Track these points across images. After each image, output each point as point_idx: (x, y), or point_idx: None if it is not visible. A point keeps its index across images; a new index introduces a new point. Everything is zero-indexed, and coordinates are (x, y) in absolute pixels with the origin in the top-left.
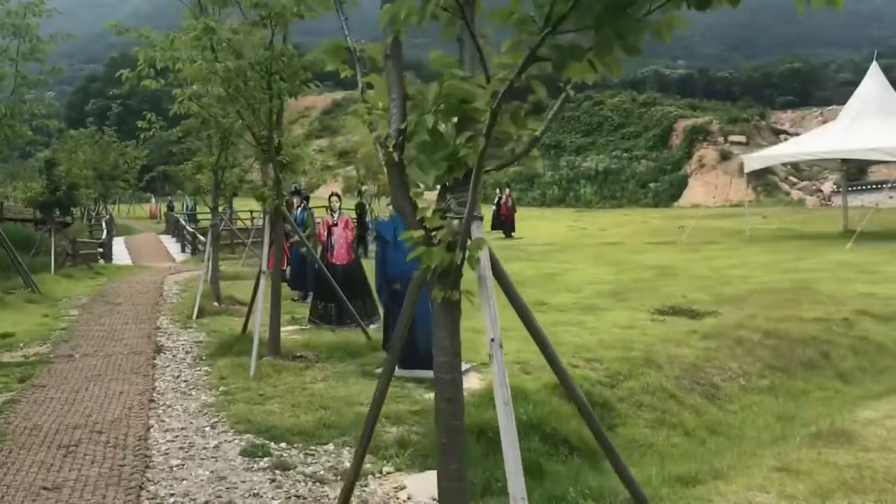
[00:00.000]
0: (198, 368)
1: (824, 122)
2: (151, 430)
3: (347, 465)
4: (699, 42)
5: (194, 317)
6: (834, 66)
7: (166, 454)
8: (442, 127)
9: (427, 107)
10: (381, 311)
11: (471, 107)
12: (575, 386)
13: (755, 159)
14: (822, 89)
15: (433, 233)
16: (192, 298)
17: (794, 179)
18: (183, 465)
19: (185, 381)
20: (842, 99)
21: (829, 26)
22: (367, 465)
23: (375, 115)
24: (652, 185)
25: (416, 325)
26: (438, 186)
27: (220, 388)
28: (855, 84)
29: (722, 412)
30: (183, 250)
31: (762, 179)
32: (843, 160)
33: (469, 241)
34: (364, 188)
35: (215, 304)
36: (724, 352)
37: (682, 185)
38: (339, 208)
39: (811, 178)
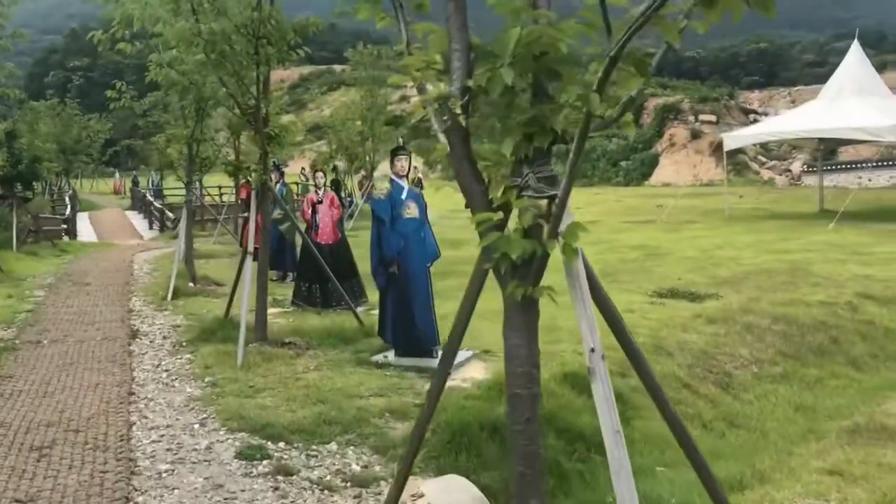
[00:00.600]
0: (179, 356)
1: (792, 101)
2: (134, 427)
3: (355, 467)
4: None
5: (169, 298)
6: (799, 48)
7: (153, 457)
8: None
9: (502, 58)
10: (367, 293)
11: (557, 57)
12: (658, 385)
13: (734, 138)
14: (788, 70)
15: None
16: (165, 278)
17: (763, 159)
18: (173, 470)
19: (167, 370)
20: (806, 80)
21: (794, 8)
22: (376, 468)
23: (426, 73)
24: (623, 163)
25: (414, 311)
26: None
27: (206, 379)
28: (819, 65)
29: (738, 402)
30: (150, 227)
31: (732, 159)
32: (821, 140)
33: (563, 227)
34: (338, 164)
35: (190, 284)
36: (733, 338)
37: (653, 163)
38: (325, 184)
39: (780, 157)
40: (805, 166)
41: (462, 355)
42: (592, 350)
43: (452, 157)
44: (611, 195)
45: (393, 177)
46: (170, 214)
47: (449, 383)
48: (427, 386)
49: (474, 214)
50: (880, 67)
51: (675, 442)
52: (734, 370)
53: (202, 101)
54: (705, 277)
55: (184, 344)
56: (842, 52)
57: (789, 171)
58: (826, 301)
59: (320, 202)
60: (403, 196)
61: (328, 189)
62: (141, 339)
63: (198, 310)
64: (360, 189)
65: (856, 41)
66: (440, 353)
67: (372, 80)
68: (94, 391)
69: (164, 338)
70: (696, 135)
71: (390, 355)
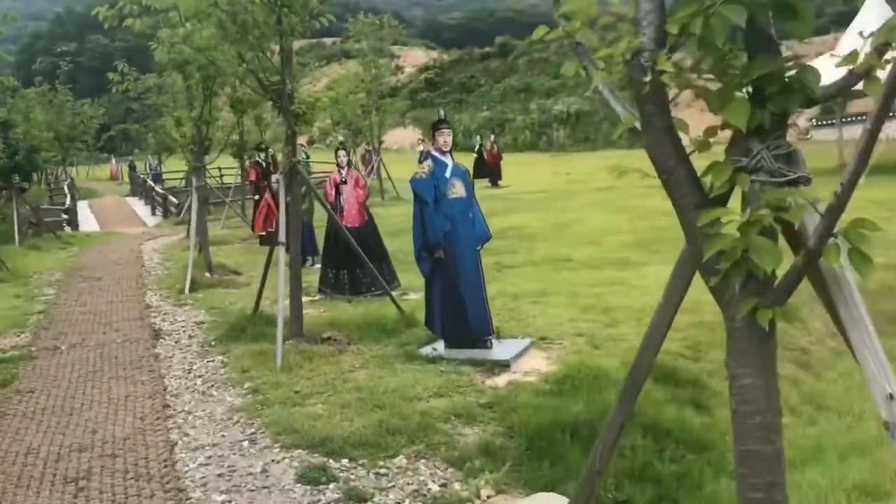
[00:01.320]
0: (210, 358)
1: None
2: (176, 448)
3: (432, 486)
4: None
5: (187, 291)
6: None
7: (204, 486)
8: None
9: None
10: (399, 277)
11: None
12: None
13: None
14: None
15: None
16: (179, 269)
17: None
18: (230, 501)
19: (200, 375)
20: (825, 29)
21: None
22: (455, 486)
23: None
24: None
25: (464, 298)
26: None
27: (246, 385)
28: (817, 15)
29: (820, 382)
30: (153, 213)
31: None
32: None
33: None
34: (341, 138)
35: (207, 274)
36: (803, 310)
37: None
38: (349, 163)
39: None
40: (812, 120)
41: (519, 344)
42: (892, 396)
43: (646, 131)
44: (619, 159)
45: (435, 153)
46: (173, 199)
47: (511, 377)
48: (488, 381)
49: (681, 206)
50: None
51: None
52: (809, 345)
53: (209, 79)
54: None
55: (212, 343)
56: (837, 2)
57: (796, 125)
58: (889, 264)
59: (344, 182)
60: (447, 174)
61: (353, 168)
62: (165, 339)
63: (219, 302)
64: (363, 164)
65: None
66: (494, 342)
67: (374, 50)
68: (125, 405)
69: (190, 337)
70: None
71: (440, 347)
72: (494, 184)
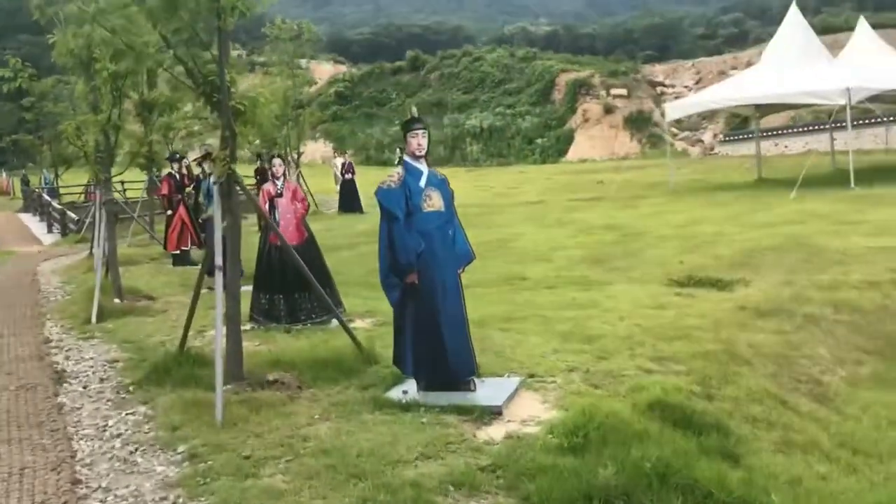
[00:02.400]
0: (129, 410)
1: (697, 73)
2: None
3: None
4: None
5: (94, 320)
6: (688, 21)
7: None
8: None
9: None
10: (344, 302)
11: None
12: None
13: (677, 107)
14: (681, 43)
15: None
16: (83, 294)
17: (675, 131)
18: None
19: (119, 435)
20: (699, 52)
21: None
22: None
23: None
24: (539, 140)
25: (443, 331)
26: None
27: (180, 449)
28: (710, 37)
29: (845, 419)
30: (50, 230)
31: (645, 132)
32: (757, 107)
33: None
34: (264, 150)
35: (116, 300)
36: (802, 335)
37: (568, 140)
38: (284, 173)
39: (691, 128)
40: (718, 136)
41: (506, 385)
42: None
43: None
44: (537, 173)
45: (407, 158)
46: (72, 215)
47: (507, 427)
48: (481, 434)
49: None
50: (760, 40)
51: (806, 484)
52: (821, 376)
53: (119, 78)
54: (709, 259)
55: (131, 389)
56: (728, 25)
57: (701, 141)
58: (869, 280)
59: (280, 195)
60: (422, 183)
61: (289, 179)
62: (70, 384)
63: (134, 334)
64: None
65: (794, 5)
66: (477, 382)
67: (290, 57)
68: (20, 483)
69: (102, 381)
70: (609, 109)
71: (412, 389)
72: None
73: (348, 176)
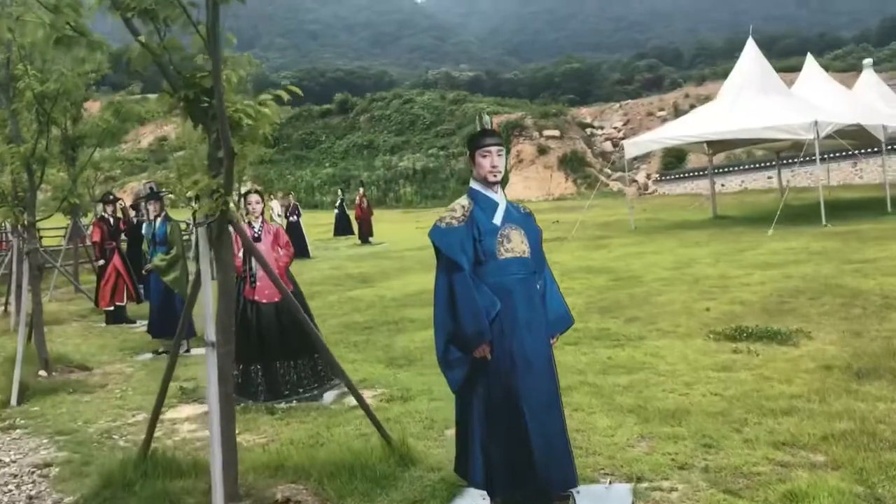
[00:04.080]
0: None
1: (625, 115)
2: None
3: None
4: (478, 47)
5: (14, 401)
6: (605, 67)
7: None
8: None
9: None
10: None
11: None
12: None
13: (635, 145)
14: (599, 88)
15: None
16: (1, 367)
17: (609, 171)
18: None
19: None
20: (618, 96)
21: (596, 31)
22: None
23: None
24: None
25: (528, 426)
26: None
27: None
28: (627, 82)
29: None
30: None
31: (580, 172)
32: (709, 144)
33: None
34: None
35: (42, 373)
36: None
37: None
38: (263, 212)
39: (622, 169)
40: (652, 176)
41: (613, 497)
42: None
43: None
44: None
45: (476, 185)
46: None
47: None
48: None
49: None
50: (675, 84)
51: None
52: None
53: (47, 100)
54: (735, 306)
55: None
56: (644, 70)
57: (635, 181)
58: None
59: (257, 240)
60: (497, 219)
61: (270, 220)
62: None
63: (70, 422)
64: None
65: (750, 39)
66: (578, 496)
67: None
68: None
69: (31, 498)
70: (543, 150)
71: None
72: (365, 241)
73: (293, 219)
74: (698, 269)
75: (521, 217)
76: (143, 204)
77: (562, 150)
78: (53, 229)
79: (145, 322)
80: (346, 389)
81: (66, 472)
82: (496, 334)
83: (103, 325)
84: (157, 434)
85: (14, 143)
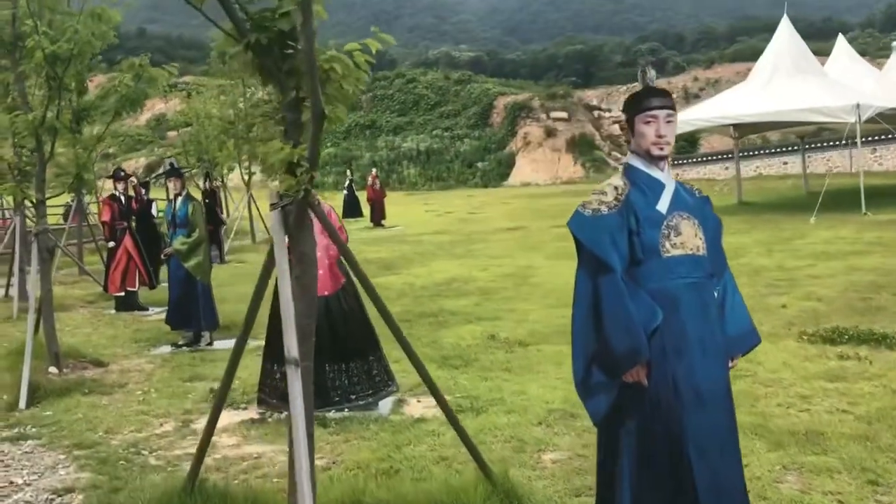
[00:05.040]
0: None
1: None
2: None
3: None
4: (478, 27)
5: (22, 404)
6: (607, 49)
7: None
8: None
9: None
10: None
11: None
12: None
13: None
14: (602, 70)
15: None
16: (3, 360)
17: (618, 154)
18: None
19: None
20: (620, 79)
21: (596, 12)
22: None
23: None
24: (479, 164)
25: (694, 475)
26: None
27: None
28: (629, 65)
29: None
30: None
31: (589, 156)
32: (735, 127)
33: None
34: (215, 170)
35: (53, 370)
36: None
37: (509, 163)
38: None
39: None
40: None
41: None
42: None
43: None
44: (486, 197)
45: (634, 160)
46: None
47: None
48: None
49: None
50: (679, 68)
51: None
52: None
53: (60, 62)
54: (812, 301)
55: None
56: (646, 53)
57: None
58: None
59: None
60: (662, 205)
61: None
62: None
63: (89, 432)
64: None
65: (785, 17)
66: None
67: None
68: None
69: None
70: (550, 132)
71: None
72: (378, 224)
73: None
74: (752, 259)
75: (696, 203)
76: (152, 182)
77: (570, 133)
78: (51, 207)
79: (158, 309)
80: (402, 396)
81: (92, 500)
82: (656, 354)
83: (113, 311)
84: (189, 450)
85: (21, 111)
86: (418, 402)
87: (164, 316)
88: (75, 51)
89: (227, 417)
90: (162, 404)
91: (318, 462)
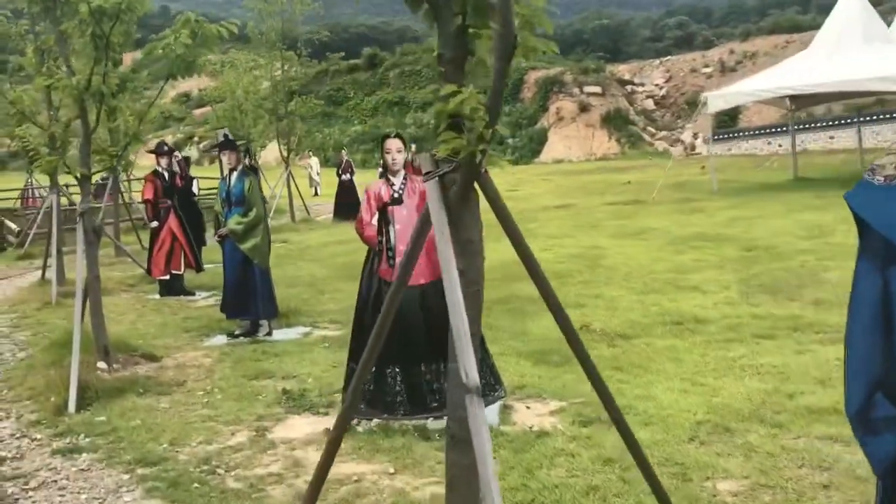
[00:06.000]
0: None
1: (667, 72)
2: None
3: None
4: None
5: (72, 407)
6: (634, 24)
7: None
8: None
9: None
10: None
11: None
12: None
13: (720, 98)
14: (629, 45)
15: None
16: (48, 352)
17: (653, 130)
18: None
19: None
20: (648, 54)
21: None
22: None
23: None
24: (510, 140)
25: None
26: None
27: None
28: (657, 39)
29: None
30: None
31: (624, 131)
32: (792, 99)
33: None
34: (252, 144)
35: (102, 365)
36: None
37: (541, 139)
38: (406, 162)
39: (667, 128)
40: (698, 136)
41: None
42: None
43: None
44: (523, 174)
45: None
46: (11, 226)
47: None
48: None
49: None
50: (708, 42)
51: None
52: None
53: (106, 18)
54: None
55: None
56: (674, 28)
57: (680, 141)
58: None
59: (398, 201)
60: None
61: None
62: None
63: (151, 444)
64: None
65: None
66: None
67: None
68: None
69: None
70: (584, 108)
71: None
72: None
73: (346, 177)
74: (842, 239)
75: None
76: (225, 153)
77: (604, 108)
78: (74, 185)
79: (205, 293)
80: (507, 400)
81: None
82: None
83: (157, 296)
84: (272, 468)
85: (62, 76)
86: (527, 408)
87: (211, 301)
88: (123, 5)
89: (307, 425)
90: (230, 408)
91: (430, 486)
